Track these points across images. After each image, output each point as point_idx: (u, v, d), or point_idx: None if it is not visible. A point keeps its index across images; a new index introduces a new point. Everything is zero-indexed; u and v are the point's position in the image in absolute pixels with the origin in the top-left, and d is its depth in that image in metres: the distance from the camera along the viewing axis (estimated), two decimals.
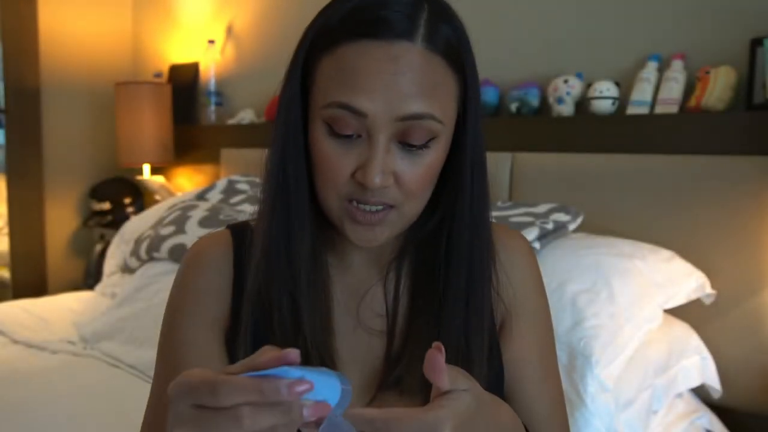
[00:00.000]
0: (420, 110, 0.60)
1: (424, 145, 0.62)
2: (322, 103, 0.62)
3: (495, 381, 0.72)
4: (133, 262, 2.13)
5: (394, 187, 0.63)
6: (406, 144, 0.62)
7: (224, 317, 0.72)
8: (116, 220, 3.09)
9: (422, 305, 0.71)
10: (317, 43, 0.63)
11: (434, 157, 0.64)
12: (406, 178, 0.63)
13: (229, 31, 2.96)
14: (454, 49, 0.62)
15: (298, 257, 0.67)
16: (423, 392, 0.68)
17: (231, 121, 2.79)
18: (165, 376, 0.72)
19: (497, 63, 2.00)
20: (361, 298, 0.73)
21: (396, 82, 0.59)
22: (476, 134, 0.67)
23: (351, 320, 0.72)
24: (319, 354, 0.67)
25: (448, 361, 0.70)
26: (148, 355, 1.55)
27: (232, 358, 0.69)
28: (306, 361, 0.65)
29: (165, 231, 2.04)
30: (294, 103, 0.65)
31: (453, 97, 0.64)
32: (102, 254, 2.83)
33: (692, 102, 1.59)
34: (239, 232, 0.76)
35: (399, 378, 0.68)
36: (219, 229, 0.78)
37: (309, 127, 0.65)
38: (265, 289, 0.68)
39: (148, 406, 0.73)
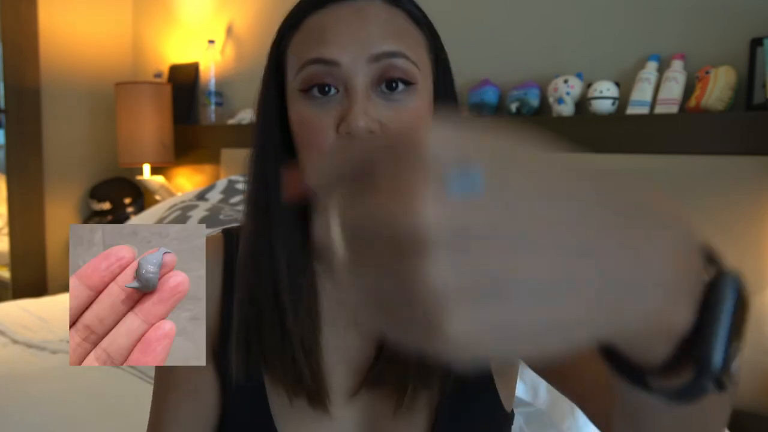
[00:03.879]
0: (391, 48, 0.60)
1: (404, 89, 0.61)
2: (295, 74, 0.62)
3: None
4: None
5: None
6: (384, 90, 0.61)
7: (213, 321, 0.70)
8: (116, 220, 3.09)
9: None
10: (285, 32, 0.65)
11: (417, 104, 0.62)
12: (393, 126, 0.60)
13: (229, 31, 2.96)
14: (416, 7, 0.65)
15: (283, 255, 0.66)
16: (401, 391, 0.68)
17: (231, 121, 2.79)
18: (158, 378, 0.72)
19: (497, 63, 2.00)
20: None
21: (363, 28, 0.60)
22: (447, 89, 0.67)
23: (341, 318, 0.71)
24: (305, 353, 0.66)
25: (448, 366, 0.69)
26: None
27: (222, 362, 0.69)
28: (293, 361, 0.65)
29: None
30: (271, 101, 0.67)
31: (422, 46, 0.64)
32: None
33: (692, 102, 1.59)
34: (232, 236, 0.74)
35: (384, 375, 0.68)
36: (214, 232, 0.77)
37: (288, 112, 0.65)
38: (253, 290, 0.67)
39: (151, 412, 0.73)
